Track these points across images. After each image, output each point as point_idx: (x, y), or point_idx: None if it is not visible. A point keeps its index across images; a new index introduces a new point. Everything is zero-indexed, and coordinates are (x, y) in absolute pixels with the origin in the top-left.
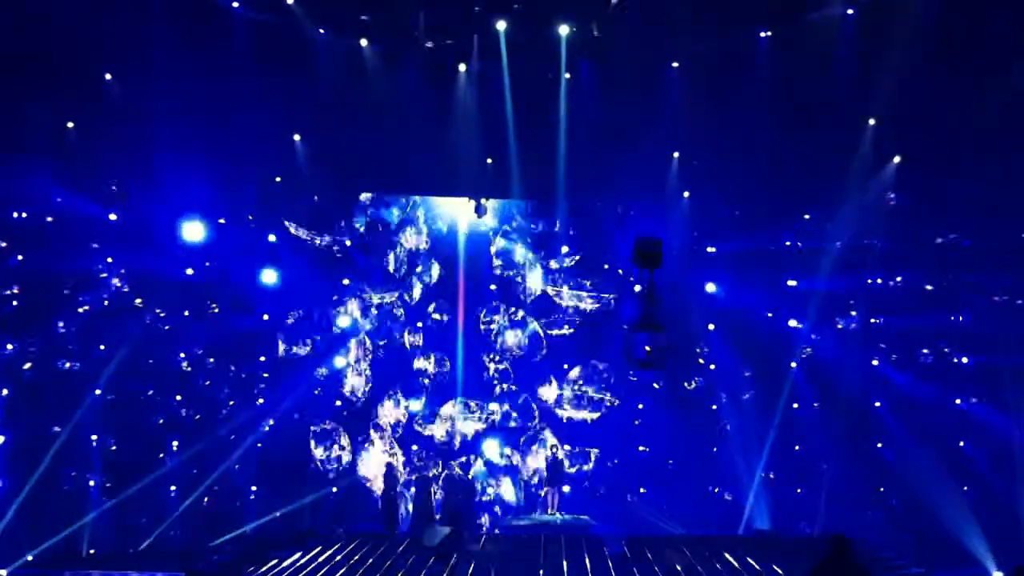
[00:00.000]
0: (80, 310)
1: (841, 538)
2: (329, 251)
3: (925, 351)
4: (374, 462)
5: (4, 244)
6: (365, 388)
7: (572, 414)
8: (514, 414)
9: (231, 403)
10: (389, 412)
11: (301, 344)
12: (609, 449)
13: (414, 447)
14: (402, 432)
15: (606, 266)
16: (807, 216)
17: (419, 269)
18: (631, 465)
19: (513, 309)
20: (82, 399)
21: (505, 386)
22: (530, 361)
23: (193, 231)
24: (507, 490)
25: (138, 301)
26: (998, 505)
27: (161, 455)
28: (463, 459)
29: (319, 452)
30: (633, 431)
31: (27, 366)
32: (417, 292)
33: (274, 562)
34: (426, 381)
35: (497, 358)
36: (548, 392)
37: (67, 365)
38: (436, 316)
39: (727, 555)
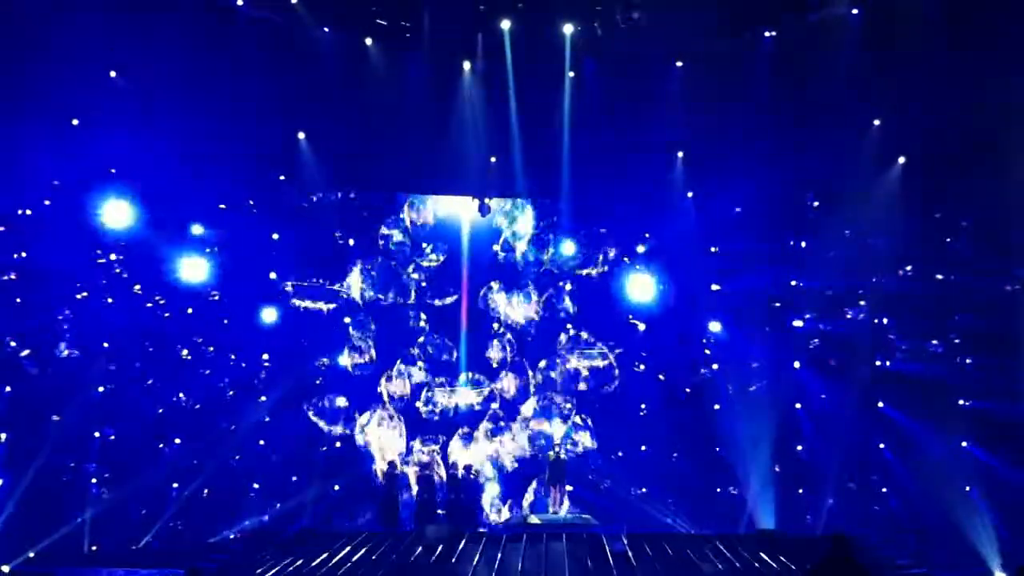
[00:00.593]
0: (78, 296)
1: (842, 537)
2: (333, 247)
3: (935, 341)
4: (377, 448)
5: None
6: (369, 370)
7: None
8: (514, 388)
9: (231, 393)
10: (394, 393)
11: (304, 337)
12: (613, 441)
13: (415, 443)
14: (406, 412)
15: (612, 253)
16: (816, 204)
17: (425, 251)
18: (635, 460)
19: (518, 291)
20: (81, 391)
21: (510, 359)
22: (533, 338)
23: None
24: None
25: (137, 287)
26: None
27: (161, 446)
28: (462, 431)
29: (323, 425)
30: (639, 426)
31: (25, 353)
32: (421, 277)
33: (273, 559)
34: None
35: (501, 336)
36: (550, 369)
37: (65, 352)
38: (439, 301)
39: (730, 553)
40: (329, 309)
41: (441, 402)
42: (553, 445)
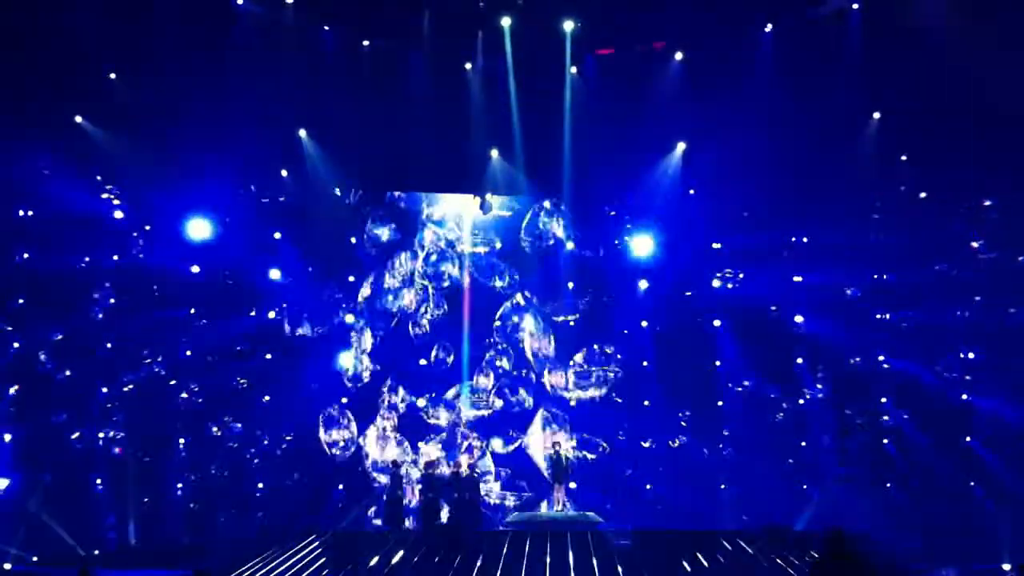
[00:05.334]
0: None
1: (838, 532)
2: (334, 246)
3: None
4: (379, 449)
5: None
6: (369, 377)
7: (579, 395)
8: (518, 397)
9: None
10: (395, 400)
11: (308, 337)
12: (615, 440)
13: (420, 443)
14: (407, 419)
15: (616, 242)
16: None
17: (426, 256)
18: (638, 458)
19: (520, 297)
20: (89, 395)
21: (510, 369)
22: (536, 347)
23: (199, 228)
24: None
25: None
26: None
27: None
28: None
29: (326, 437)
30: (640, 424)
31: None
32: (425, 282)
33: (278, 559)
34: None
35: (502, 346)
36: (554, 377)
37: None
38: (441, 309)
39: (735, 548)
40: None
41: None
42: (553, 445)
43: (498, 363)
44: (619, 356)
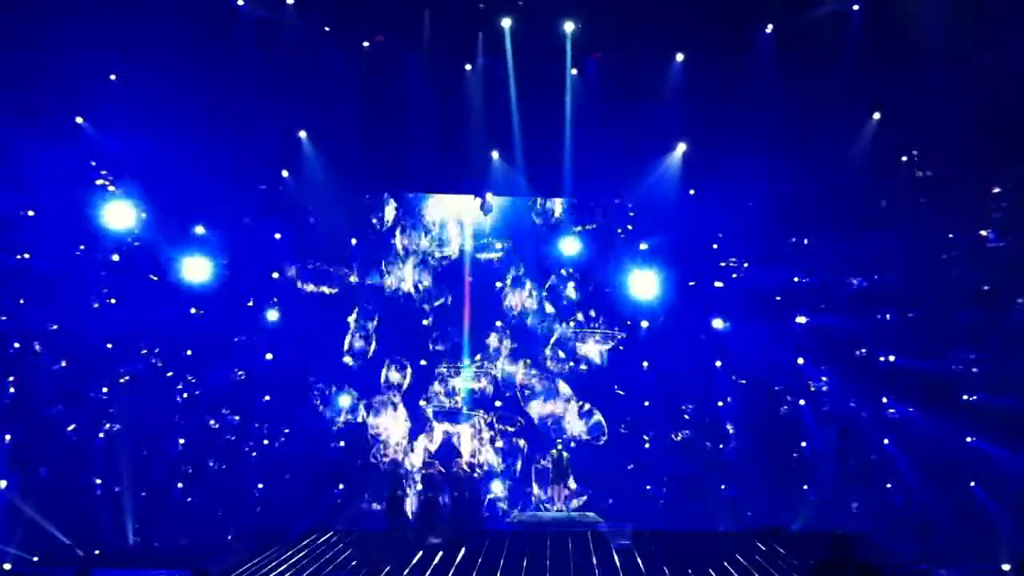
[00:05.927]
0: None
1: (843, 535)
2: (335, 248)
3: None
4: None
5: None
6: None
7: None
8: (520, 375)
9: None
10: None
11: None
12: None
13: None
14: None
15: (620, 231)
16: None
17: (427, 249)
18: (638, 459)
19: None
20: (86, 394)
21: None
22: (535, 330)
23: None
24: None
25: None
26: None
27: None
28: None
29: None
30: (639, 422)
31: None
32: (426, 277)
33: (278, 559)
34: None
35: (503, 328)
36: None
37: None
38: (441, 300)
39: (734, 549)
40: (333, 293)
41: (443, 398)
42: (556, 445)
43: (498, 345)
44: (621, 347)
